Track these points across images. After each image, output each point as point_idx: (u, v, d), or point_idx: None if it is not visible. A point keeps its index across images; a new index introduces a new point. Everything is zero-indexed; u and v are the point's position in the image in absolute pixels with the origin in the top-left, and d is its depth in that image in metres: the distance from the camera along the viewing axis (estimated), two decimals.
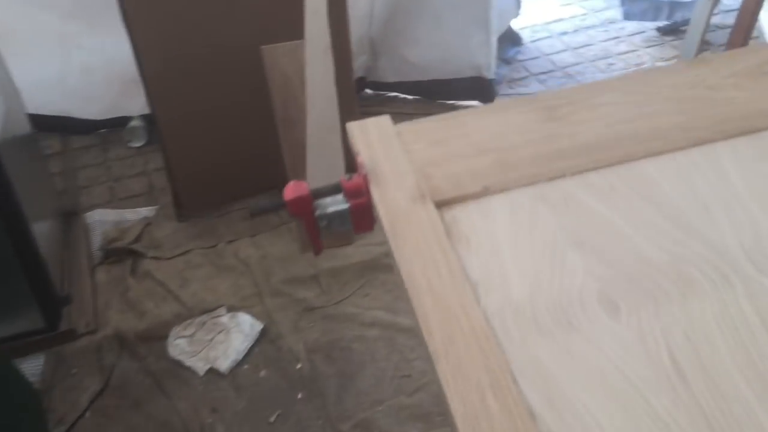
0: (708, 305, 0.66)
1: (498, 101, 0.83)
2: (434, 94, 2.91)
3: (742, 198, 0.76)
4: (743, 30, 2.04)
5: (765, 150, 0.81)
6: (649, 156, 0.82)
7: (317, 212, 0.85)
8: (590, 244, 0.73)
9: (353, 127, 0.91)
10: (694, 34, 2.17)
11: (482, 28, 2.59)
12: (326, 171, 2.22)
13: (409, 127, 0.91)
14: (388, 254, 0.77)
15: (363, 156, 0.86)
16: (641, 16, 3.23)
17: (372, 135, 0.90)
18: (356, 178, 0.84)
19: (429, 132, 0.90)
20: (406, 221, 0.77)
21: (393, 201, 0.80)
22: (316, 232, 0.86)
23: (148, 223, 2.50)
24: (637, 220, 0.75)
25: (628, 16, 3.30)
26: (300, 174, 2.23)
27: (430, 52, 2.69)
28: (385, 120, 0.92)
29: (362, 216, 0.85)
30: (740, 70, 0.92)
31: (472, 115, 0.92)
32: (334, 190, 0.85)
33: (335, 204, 0.85)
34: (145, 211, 2.57)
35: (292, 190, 0.84)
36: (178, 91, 2.26)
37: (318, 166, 2.21)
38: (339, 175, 2.25)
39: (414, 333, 2.12)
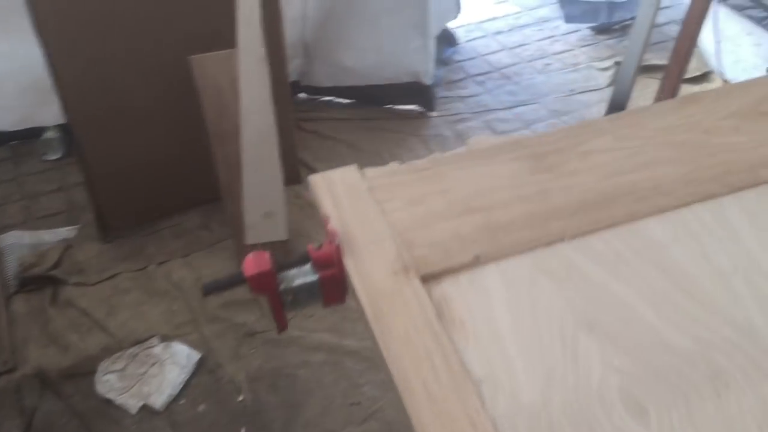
0: (745, 402, 0.58)
1: (477, 148, 0.76)
2: (371, 99, 2.80)
3: (759, 263, 0.69)
4: (688, 38, 2.01)
5: None
6: (653, 214, 0.74)
7: (282, 286, 0.73)
8: (603, 326, 0.64)
9: (316, 181, 0.79)
10: (638, 35, 2.13)
11: (420, 33, 2.49)
12: (263, 186, 2.09)
13: (380, 179, 0.80)
14: (368, 338, 0.66)
15: (333, 220, 0.74)
16: (581, 19, 3.20)
17: (339, 191, 0.78)
18: (326, 247, 0.73)
19: (404, 187, 0.79)
20: (390, 302, 0.67)
21: (372, 276, 0.69)
22: (281, 307, 0.75)
23: (68, 246, 2.31)
24: (652, 295, 0.67)
25: (569, 19, 3.26)
26: (235, 190, 2.09)
27: (366, 57, 2.57)
28: (352, 172, 0.81)
29: (333, 288, 0.74)
30: (737, 110, 0.85)
31: (451, 165, 0.82)
32: (301, 260, 0.74)
33: (302, 276, 0.74)
34: (65, 232, 2.37)
35: (252, 264, 0.72)
36: (97, 99, 2.08)
37: (254, 182, 2.07)
38: (277, 190, 2.11)
39: (362, 356, 2.03)
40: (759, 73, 2.73)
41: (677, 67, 2.07)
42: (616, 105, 2.31)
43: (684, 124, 0.83)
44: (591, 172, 0.79)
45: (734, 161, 0.78)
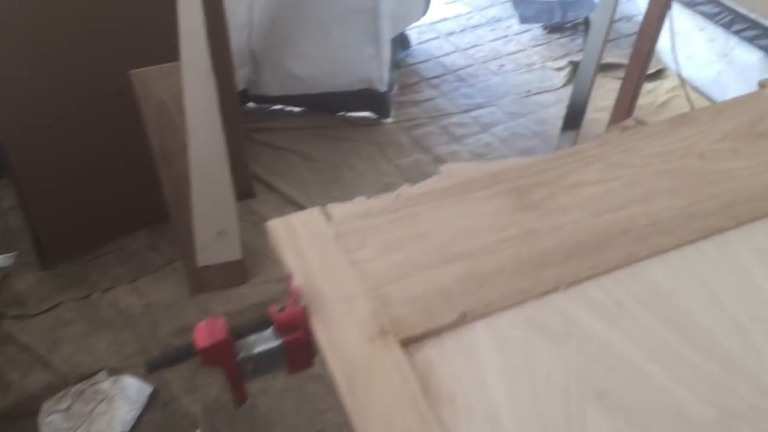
0: None
1: (454, 183, 0.69)
2: (323, 107, 2.69)
3: None
4: (648, 38, 1.97)
5: None
6: (654, 255, 0.66)
7: (241, 354, 0.64)
8: (612, 394, 0.56)
9: (276, 229, 0.69)
10: (597, 34, 2.08)
11: (371, 40, 2.39)
12: (214, 204, 1.98)
13: (349, 223, 0.71)
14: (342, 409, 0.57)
15: (297, 277, 0.65)
16: (536, 19, 3.15)
17: (302, 239, 0.69)
18: (290, 308, 0.63)
19: (377, 231, 0.70)
20: (366, 374, 0.58)
21: (344, 342, 0.60)
22: (239, 379, 0.65)
23: (4, 275, 2.15)
24: (663, 354, 0.59)
25: (524, 20, 3.21)
26: (184, 209, 1.97)
27: (317, 65, 2.47)
28: (316, 216, 0.71)
29: (298, 353, 0.65)
30: (731, 130, 0.78)
31: (425, 203, 0.73)
32: (261, 324, 0.64)
33: (263, 342, 0.64)
34: (0, 260, 2.21)
35: (205, 334, 0.62)
36: (30, 116, 1.93)
37: (205, 200, 1.96)
38: (229, 207, 1.98)
39: (325, 380, 1.93)
40: (713, 69, 2.72)
41: (638, 67, 2.03)
42: (576, 105, 2.25)
43: (678, 148, 0.76)
44: (582, 208, 0.71)
45: (736, 190, 0.71)
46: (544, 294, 0.63)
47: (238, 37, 2.32)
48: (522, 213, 0.71)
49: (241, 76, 2.54)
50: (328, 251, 0.67)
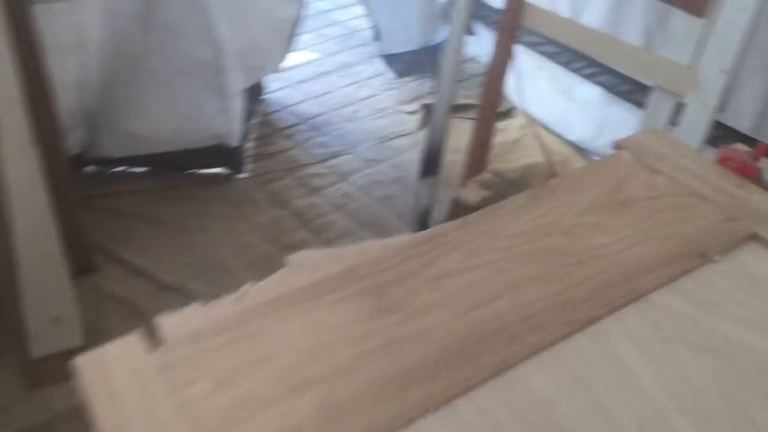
0: None
1: (303, 285, 0.62)
2: (171, 166, 2.52)
3: (665, 414, 0.56)
4: (496, 80, 1.97)
5: (660, 323, 0.62)
6: (529, 357, 0.59)
7: None
8: None
9: (83, 367, 0.56)
10: (446, 78, 2.07)
11: (218, 94, 2.26)
12: (47, 287, 1.77)
13: (177, 350, 0.59)
14: None
15: None
16: (411, 72, 3.20)
17: (117, 380, 0.56)
18: None
19: (211, 357, 0.58)
20: None
21: None
22: None
23: None
24: None
25: (401, 74, 3.24)
26: (11, 296, 1.75)
27: (160, 123, 2.30)
28: (135, 346, 0.59)
29: None
30: (593, 201, 0.73)
31: (271, 317, 0.62)
32: None
33: None
34: None
35: None
36: None
37: (35, 283, 1.74)
38: (64, 289, 1.76)
39: None
40: (557, 106, 2.80)
41: (488, 108, 2.03)
42: (432, 150, 2.23)
43: (542, 225, 0.70)
44: (447, 306, 0.63)
45: (606, 271, 0.66)
46: (411, 421, 0.54)
47: (68, 99, 2.12)
48: (381, 318, 0.62)
49: (76, 140, 2.33)
50: (150, 393, 0.55)
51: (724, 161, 0.76)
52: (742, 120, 2.06)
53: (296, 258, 0.72)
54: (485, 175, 1.19)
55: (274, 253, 2.31)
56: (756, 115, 2.05)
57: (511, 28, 1.85)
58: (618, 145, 0.80)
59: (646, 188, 0.74)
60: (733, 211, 0.71)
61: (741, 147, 0.77)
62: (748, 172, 0.75)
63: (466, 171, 2.08)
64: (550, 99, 2.82)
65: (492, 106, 2.01)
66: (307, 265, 0.70)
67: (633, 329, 0.62)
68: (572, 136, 2.77)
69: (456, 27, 1.99)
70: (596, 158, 2.72)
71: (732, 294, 0.63)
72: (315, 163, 2.71)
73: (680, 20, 1.52)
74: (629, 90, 2.44)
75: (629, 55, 1.70)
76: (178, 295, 2.08)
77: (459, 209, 1.16)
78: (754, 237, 0.69)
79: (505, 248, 0.68)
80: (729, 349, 0.59)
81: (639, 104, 2.40)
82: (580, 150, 2.78)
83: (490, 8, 2.93)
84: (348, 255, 0.70)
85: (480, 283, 0.65)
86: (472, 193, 1.14)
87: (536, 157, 2.71)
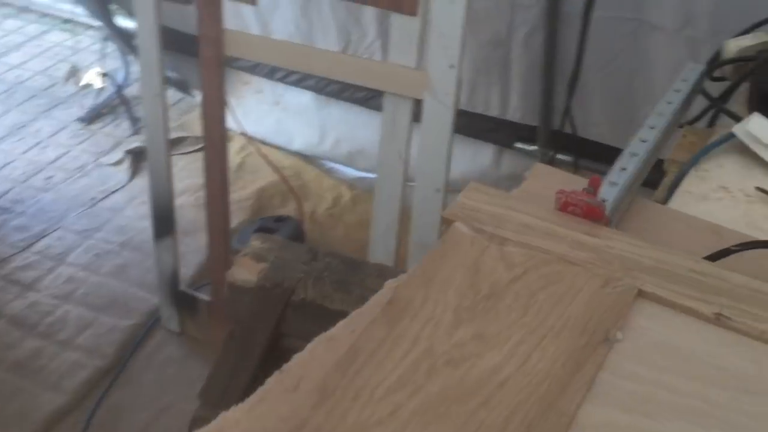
0: None
1: None
2: None
3: None
4: (215, 115, 1.76)
5: None
6: None
7: None
8: None
9: None
10: (154, 121, 1.82)
11: None
12: None
13: None
14: None
15: None
16: (99, 115, 2.81)
17: None
18: None
19: None
20: None
21: None
22: None
23: None
24: None
25: (88, 121, 2.84)
26: None
27: None
28: None
29: None
30: (458, 305, 0.59)
31: None
32: None
33: None
34: None
35: None
36: None
37: None
38: None
39: None
40: (271, 118, 2.65)
41: (218, 141, 1.81)
42: (160, 204, 1.95)
43: (417, 361, 0.54)
44: None
45: (521, 403, 0.52)
46: None
47: None
48: None
49: None
50: None
51: (566, 208, 0.66)
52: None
53: None
54: (254, 243, 1.00)
55: (4, 379, 1.89)
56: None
57: (217, 60, 1.65)
58: (447, 219, 0.67)
59: (505, 268, 0.61)
60: (605, 271, 0.61)
61: (575, 189, 0.68)
62: (596, 215, 0.66)
63: (210, 214, 1.84)
64: (261, 113, 2.67)
65: (221, 138, 1.80)
66: None
67: None
68: (295, 146, 2.66)
69: (145, 59, 1.74)
70: (328, 164, 2.63)
71: (657, 380, 0.53)
72: (18, 252, 2.27)
73: (397, 22, 1.44)
74: (341, 89, 2.37)
75: (353, 66, 1.60)
76: None
77: (236, 295, 0.96)
78: (640, 294, 0.60)
79: (388, 415, 0.51)
80: None
81: (357, 102, 2.35)
82: (307, 158, 2.67)
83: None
84: None
85: None
86: (246, 271, 0.95)
87: (268, 177, 2.55)
